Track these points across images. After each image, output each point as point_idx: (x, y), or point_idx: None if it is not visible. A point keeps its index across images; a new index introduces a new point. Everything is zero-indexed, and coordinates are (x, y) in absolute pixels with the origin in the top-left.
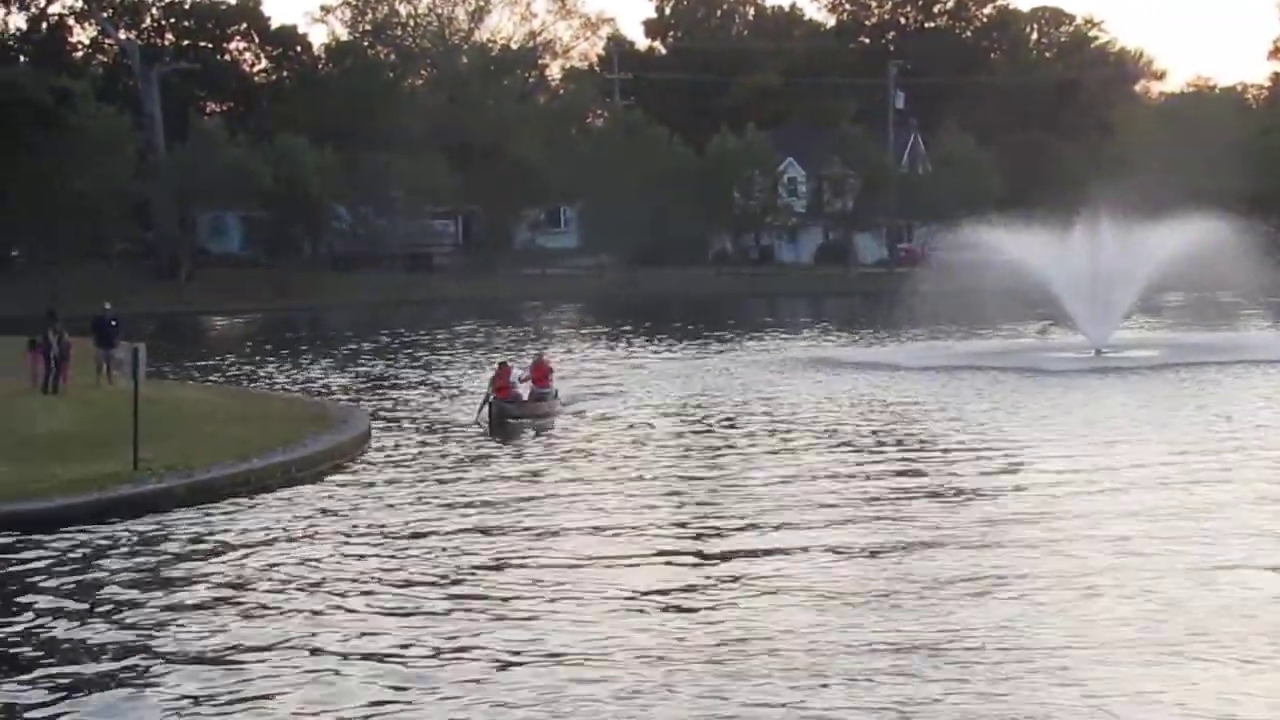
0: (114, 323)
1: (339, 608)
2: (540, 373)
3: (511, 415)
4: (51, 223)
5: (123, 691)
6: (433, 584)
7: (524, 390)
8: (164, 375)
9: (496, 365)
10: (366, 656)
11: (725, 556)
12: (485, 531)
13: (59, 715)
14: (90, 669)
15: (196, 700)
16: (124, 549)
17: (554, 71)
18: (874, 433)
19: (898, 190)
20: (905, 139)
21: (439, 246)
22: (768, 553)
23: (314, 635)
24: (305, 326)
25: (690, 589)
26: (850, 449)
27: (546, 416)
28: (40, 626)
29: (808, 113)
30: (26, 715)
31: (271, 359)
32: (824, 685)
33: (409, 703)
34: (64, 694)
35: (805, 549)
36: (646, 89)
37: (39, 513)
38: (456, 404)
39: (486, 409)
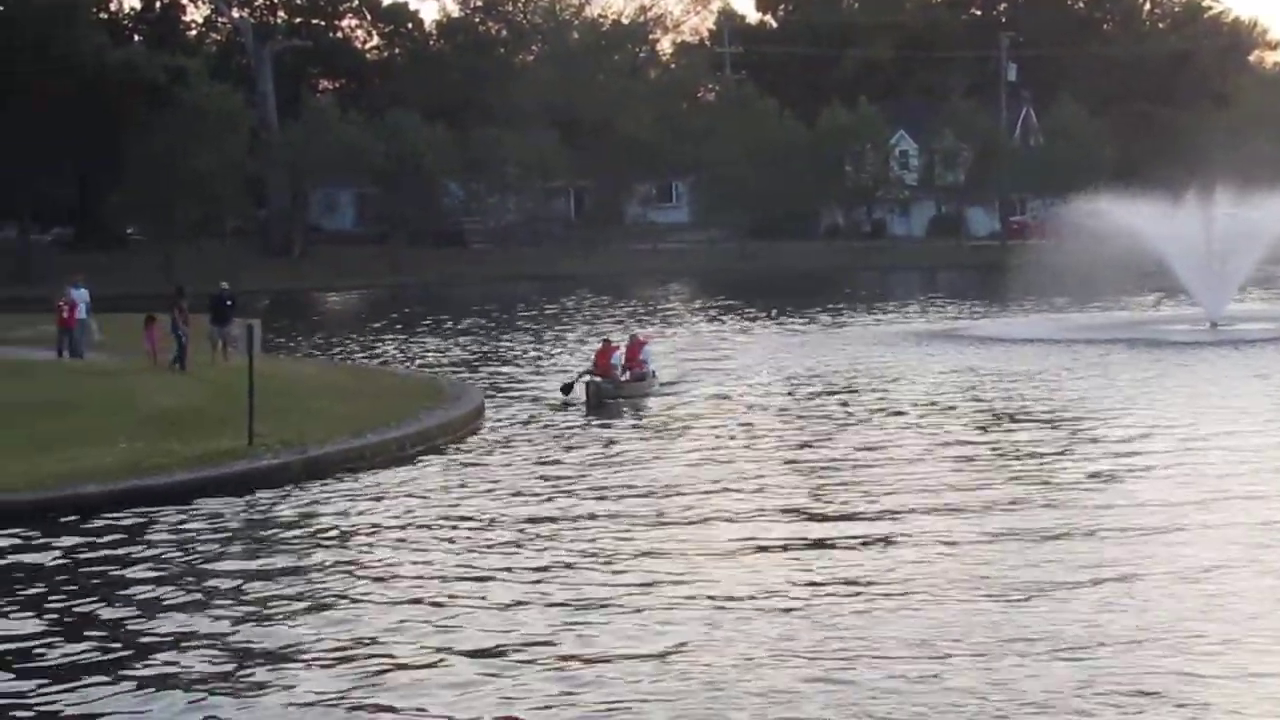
0: (229, 302)
1: (453, 594)
2: (633, 353)
3: (609, 395)
4: (167, 201)
5: (234, 681)
6: (545, 570)
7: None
8: (278, 351)
9: (601, 342)
10: (475, 646)
11: (841, 544)
12: (601, 517)
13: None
14: (206, 657)
15: (318, 694)
16: (240, 525)
17: (664, 46)
18: (991, 410)
19: (1010, 163)
20: (1017, 111)
21: (472, 224)
22: (884, 541)
23: (431, 624)
24: (418, 301)
25: (809, 583)
26: (968, 427)
27: (644, 396)
28: (161, 605)
29: (919, 86)
30: (124, 699)
31: (385, 334)
32: (946, 667)
33: (508, 690)
34: (174, 673)
35: (922, 535)
36: (757, 63)
37: (159, 488)
38: (565, 381)
39: (582, 386)
